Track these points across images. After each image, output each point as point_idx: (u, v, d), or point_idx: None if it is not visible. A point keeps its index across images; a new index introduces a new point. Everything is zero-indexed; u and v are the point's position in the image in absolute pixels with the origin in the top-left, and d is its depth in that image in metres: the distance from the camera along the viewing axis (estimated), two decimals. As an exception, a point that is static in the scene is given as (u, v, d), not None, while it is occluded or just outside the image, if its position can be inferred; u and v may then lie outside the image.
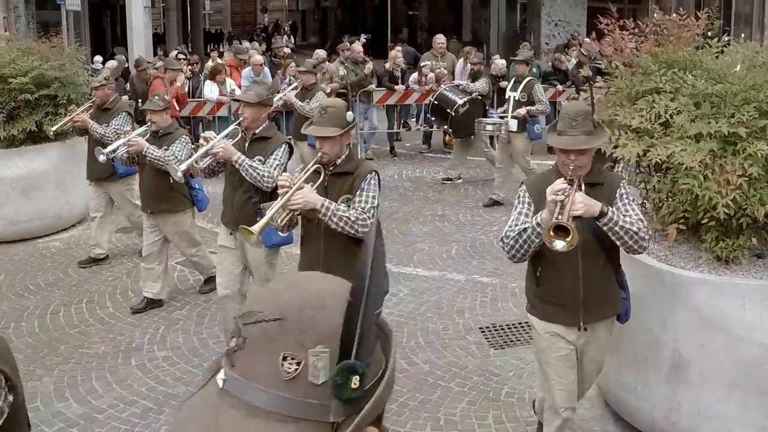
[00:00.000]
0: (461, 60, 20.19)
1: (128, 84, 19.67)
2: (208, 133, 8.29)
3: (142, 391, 7.85)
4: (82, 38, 26.02)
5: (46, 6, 24.95)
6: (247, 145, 7.97)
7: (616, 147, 6.37)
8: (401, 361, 8.37)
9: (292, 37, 49.43)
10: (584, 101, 7.41)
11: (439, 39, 20.25)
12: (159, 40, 34.36)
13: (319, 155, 6.43)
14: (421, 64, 19.41)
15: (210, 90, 17.75)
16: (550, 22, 29.93)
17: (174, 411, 7.42)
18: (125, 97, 18.40)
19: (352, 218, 6.17)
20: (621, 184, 5.69)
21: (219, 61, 21.04)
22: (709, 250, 6.26)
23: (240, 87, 17.88)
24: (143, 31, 26.87)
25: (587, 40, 20.90)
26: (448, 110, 16.47)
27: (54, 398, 7.75)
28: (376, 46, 28.79)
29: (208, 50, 37.79)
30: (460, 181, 16.37)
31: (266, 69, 18.58)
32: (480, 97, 16.69)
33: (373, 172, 6.50)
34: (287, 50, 23.24)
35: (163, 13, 43.18)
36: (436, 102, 17.06)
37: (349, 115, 6.56)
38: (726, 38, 7.13)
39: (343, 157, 6.50)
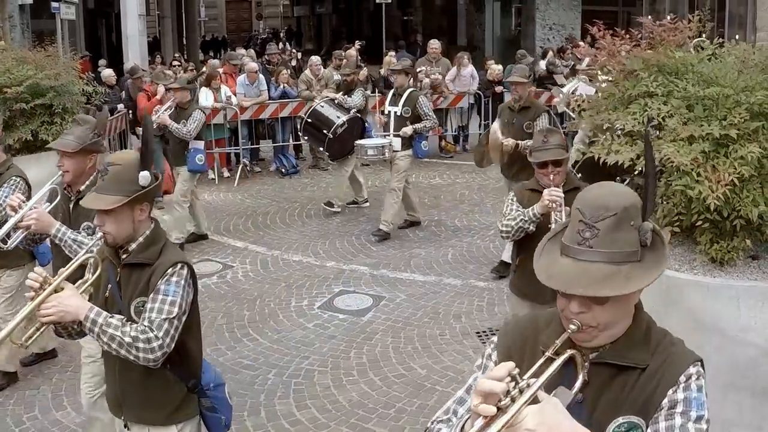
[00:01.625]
0: (455, 67, 20.18)
1: (123, 92, 19.66)
2: (14, 199, 6.11)
3: (140, 399, 7.85)
4: (78, 47, 26.00)
5: (41, 15, 24.93)
6: (71, 207, 6.40)
7: (608, 153, 6.40)
8: (398, 366, 8.39)
9: (287, 44, 49.34)
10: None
11: (434, 44, 20.28)
12: (153, 48, 34.32)
13: (97, 236, 4.70)
14: (416, 70, 19.42)
15: (205, 97, 17.78)
16: (545, 26, 29.99)
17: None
18: (120, 105, 18.53)
19: (127, 339, 4.21)
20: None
21: (215, 65, 21.02)
22: (704, 252, 6.28)
23: (235, 94, 17.92)
24: (138, 38, 26.89)
25: (582, 44, 20.93)
26: (326, 131, 14.70)
27: (52, 407, 7.76)
28: (372, 51, 28.81)
29: (205, 57, 37.75)
30: (366, 204, 14.95)
31: (261, 76, 18.59)
32: (358, 114, 15.13)
33: (179, 265, 4.49)
34: (294, 54, 23.26)
35: (158, 21, 43.20)
36: (309, 120, 15.25)
37: (143, 176, 4.47)
38: (717, 40, 7.13)
39: (141, 239, 4.56)
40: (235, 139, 18.31)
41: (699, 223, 6.15)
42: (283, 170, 18.07)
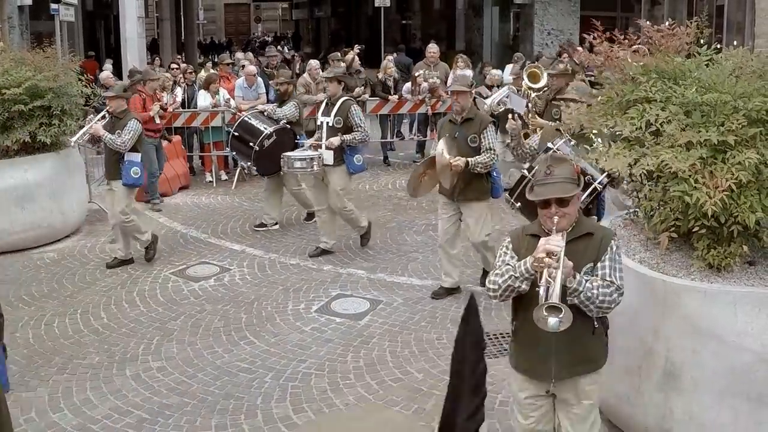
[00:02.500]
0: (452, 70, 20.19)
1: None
2: None
3: (137, 402, 7.85)
4: (76, 49, 26.02)
5: (39, 16, 24.95)
6: None
7: (606, 159, 6.40)
8: (395, 370, 8.39)
9: (292, 47, 49.38)
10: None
11: (432, 48, 20.27)
12: (152, 50, 34.31)
13: None
14: (415, 74, 19.43)
15: (204, 99, 17.80)
16: (543, 30, 29.99)
17: (168, 422, 7.46)
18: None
19: None
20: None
21: (212, 71, 21.03)
22: (701, 257, 6.28)
23: (233, 97, 17.93)
24: (137, 41, 26.88)
25: (580, 49, 20.93)
26: (252, 144, 13.51)
27: (49, 409, 7.75)
28: (370, 55, 28.82)
29: (204, 60, 37.72)
30: (276, 227, 13.90)
31: (260, 79, 18.59)
32: (289, 125, 13.74)
33: None
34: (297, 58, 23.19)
35: (156, 23, 43.24)
36: (237, 133, 14.06)
37: None
38: (715, 46, 7.14)
39: None
40: (232, 142, 18.29)
41: (696, 229, 6.15)
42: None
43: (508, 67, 20.85)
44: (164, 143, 16.51)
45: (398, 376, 8.25)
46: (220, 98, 17.74)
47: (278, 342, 9.15)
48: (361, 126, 11.99)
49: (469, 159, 9.85)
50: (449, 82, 19.72)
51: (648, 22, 7.52)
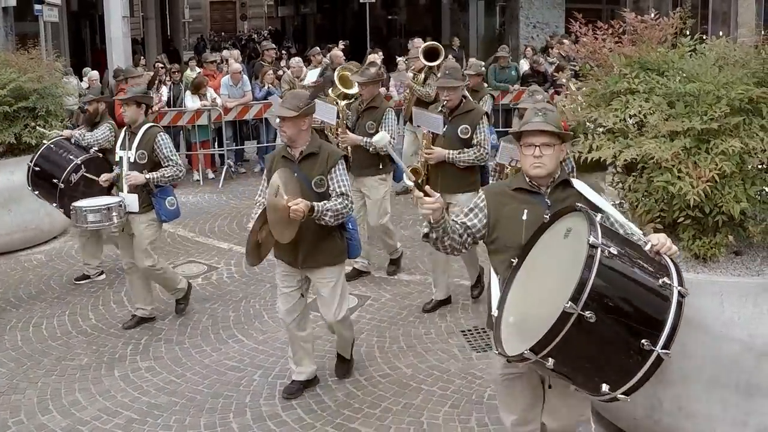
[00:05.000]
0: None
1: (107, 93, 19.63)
2: None
3: (126, 402, 7.84)
4: (61, 49, 25.94)
5: (24, 17, 24.83)
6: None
7: (590, 150, 6.40)
8: (384, 365, 8.39)
9: (290, 43, 49.20)
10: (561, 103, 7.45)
11: (417, 43, 20.25)
12: (136, 49, 34.20)
13: None
14: (397, 62, 19.54)
15: (192, 102, 17.77)
16: (529, 24, 30.03)
17: (157, 422, 7.44)
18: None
19: None
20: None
21: (197, 69, 21.01)
22: (687, 248, 6.28)
23: (219, 95, 17.92)
24: (122, 40, 26.80)
25: (566, 42, 20.95)
26: (55, 180, 10.67)
27: (37, 411, 7.73)
28: (356, 51, 28.79)
29: (189, 60, 37.66)
30: (102, 277, 11.52)
31: (245, 77, 18.59)
32: (101, 155, 10.82)
33: None
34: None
35: (142, 22, 43.11)
36: (37, 168, 10.98)
37: None
38: (698, 36, 7.14)
39: None
40: (219, 140, 18.29)
41: (681, 219, 6.16)
42: (268, 171, 17.98)
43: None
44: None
45: (386, 372, 8.25)
46: (208, 97, 17.74)
47: (266, 340, 9.14)
48: (171, 159, 9.31)
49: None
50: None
51: (633, 14, 7.51)
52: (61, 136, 11.25)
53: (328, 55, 19.88)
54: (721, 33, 9.88)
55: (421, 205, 5.00)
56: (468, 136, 9.41)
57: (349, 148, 10.45)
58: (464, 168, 9.46)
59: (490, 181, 8.82)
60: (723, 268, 6.28)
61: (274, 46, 24.39)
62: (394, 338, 9.05)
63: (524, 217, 5.16)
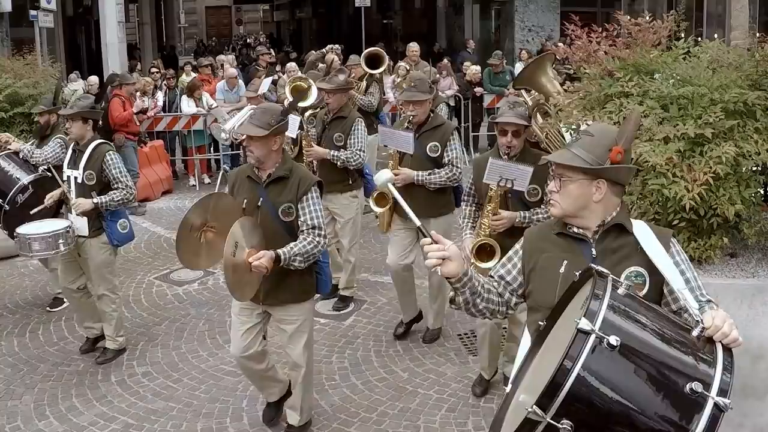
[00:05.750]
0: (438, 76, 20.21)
1: (103, 101, 19.61)
2: None
3: (123, 408, 7.84)
4: (57, 55, 25.88)
5: (20, 23, 24.83)
6: None
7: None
8: (380, 369, 8.39)
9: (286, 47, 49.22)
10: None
11: (413, 47, 20.26)
12: (132, 55, 34.18)
13: None
14: (397, 66, 19.48)
15: (187, 106, 17.78)
16: (524, 27, 30.07)
17: (154, 427, 7.44)
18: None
19: None
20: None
21: (192, 74, 21.00)
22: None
23: (215, 100, 17.93)
24: (118, 46, 26.80)
25: (561, 45, 20.97)
26: (0, 201, 9.60)
27: (34, 416, 7.73)
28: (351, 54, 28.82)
29: (183, 65, 37.69)
30: (65, 305, 10.29)
31: (240, 82, 18.61)
32: (51, 174, 9.18)
33: None
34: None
35: (138, 28, 43.13)
36: None
37: None
38: (691, 39, 7.16)
39: None
40: (215, 146, 18.28)
41: (676, 222, 6.17)
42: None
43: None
44: (139, 147, 16.51)
45: (383, 376, 8.25)
46: (204, 103, 17.74)
47: (263, 344, 9.14)
48: (121, 180, 8.54)
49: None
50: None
51: (627, 17, 7.52)
52: (9, 149, 9.92)
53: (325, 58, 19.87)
54: (716, 36, 9.88)
55: (425, 253, 4.01)
56: (438, 154, 8.50)
57: (314, 162, 9.63)
58: (436, 190, 8.53)
59: (463, 206, 7.82)
60: (718, 270, 6.31)
61: (268, 50, 24.37)
62: (391, 342, 9.06)
63: (562, 270, 4.05)
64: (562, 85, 8.04)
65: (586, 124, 6.72)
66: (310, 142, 9.71)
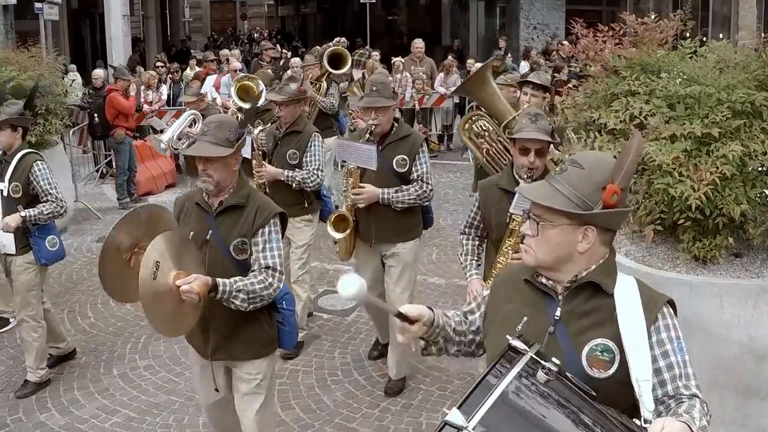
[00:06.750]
0: (442, 73, 20.22)
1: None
2: None
3: (125, 401, 7.85)
4: (61, 48, 25.95)
5: (25, 16, 24.86)
6: None
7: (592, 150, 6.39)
8: (382, 366, 8.38)
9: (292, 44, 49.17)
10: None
11: (417, 43, 20.30)
12: (136, 48, 34.20)
13: None
14: (392, 62, 19.52)
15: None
16: (529, 25, 30.05)
17: (156, 420, 7.44)
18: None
19: None
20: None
21: (197, 69, 21.04)
22: (687, 250, 6.28)
23: (220, 94, 17.92)
24: (122, 39, 26.82)
25: (565, 43, 20.99)
26: None
27: (36, 409, 7.75)
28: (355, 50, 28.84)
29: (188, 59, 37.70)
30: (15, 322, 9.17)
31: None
32: None
33: None
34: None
35: (142, 21, 43.13)
36: None
37: None
38: (698, 39, 7.15)
39: None
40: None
41: (682, 221, 6.15)
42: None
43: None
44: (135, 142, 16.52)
45: (385, 372, 8.23)
46: (208, 95, 17.70)
47: (266, 339, 9.13)
48: (51, 193, 7.87)
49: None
50: (436, 83, 19.69)
51: (633, 16, 7.51)
52: None
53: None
54: (721, 35, 9.86)
55: (398, 335, 3.60)
56: (406, 169, 7.44)
57: (266, 183, 8.65)
58: (403, 210, 7.51)
59: (462, 241, 6.49)
60: (723, 270, 6.29)
61: (273, 46, 24.35)
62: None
63: (519, 328, 3.14)
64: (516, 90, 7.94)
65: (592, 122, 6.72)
66: (261, 161, 8.66)
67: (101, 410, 7.68)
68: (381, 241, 7.56)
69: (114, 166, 16.38)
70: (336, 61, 12.83)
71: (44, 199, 7.82)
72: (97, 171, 18.07)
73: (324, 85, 13.00)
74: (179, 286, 4.84)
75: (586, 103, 7.02)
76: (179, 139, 10.77)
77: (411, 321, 3.47)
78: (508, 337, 2.98)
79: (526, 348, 2.85)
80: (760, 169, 6.17)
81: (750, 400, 6.01)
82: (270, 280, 5.24)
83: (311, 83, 12.57)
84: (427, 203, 7.73)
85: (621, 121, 6.35)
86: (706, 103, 6.23)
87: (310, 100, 12.05)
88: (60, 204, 7.89)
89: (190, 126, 10.98)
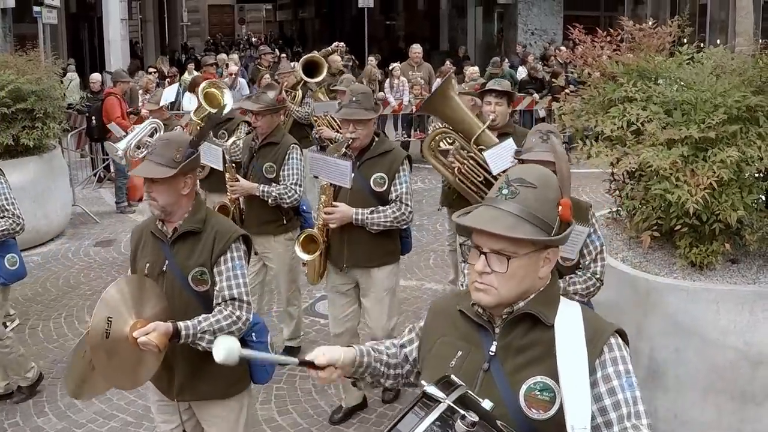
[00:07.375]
0: (439, 78, 20.26)
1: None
2: None
3: (122, 405, 7.82)
4: (60, 51, 25.93)
5: (23, 19, 24.86)
6: None
7: (589, 157, 6.41)
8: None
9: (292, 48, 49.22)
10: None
11: (416, 49, 20.31)
12: (135, 52, 34.23)
13: None
14: (390, 67, 19.54)
15: (189, 102, 17.74)
16: (527, 30, 30.12)
17: (152, 425, 7.44)
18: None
19: None
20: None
21: (195, 73, 21.02)
22: (683, 256, 6.30)
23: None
24: (120, 43, 26.83)
25: (563, 48, 21.03)
26: None
27: (33, 413, 7.73)
28: (354, 55, 28.87)
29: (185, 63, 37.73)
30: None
31: (242, 80, 18.60)
32: None
33: None
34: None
35: (140, 25, 43.14)
36: None
37: None
38: (695, 44, 7.17)
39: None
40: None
41: (678, 227, 6.17)
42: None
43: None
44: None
45: (383, 377, 8.24)
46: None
47: (263, 344, 9.12)
48: (7, 209, 7.41)
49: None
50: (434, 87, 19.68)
51: (631, 22, 7.53)
52: None
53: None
54: (718, 41, 9.89)
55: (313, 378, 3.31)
56: (384, 188, 6.82)
57: (241, 199, 8.22)
58: (379, 233, 6.88)
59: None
60: (719, 275, 6.30)
61: (272, 50, 24.36)
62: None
63: (452, 364, 3.03)
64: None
65: (589, 128, 6.72)
66: (235, 174, 8.11)
67: (98, 415, 7.66)
68: (352, 266, 7.01)
69: (112, 170, 16.37)
70: (311, 69, 12.15)
71: (1, 215, 7.34)
72: (95, 175, 18.06)
73: (299, 93, 12.53)
74: (135, 338, 4.40)
75: (584, 109, 7.02)
76: (138, 147, 10.33)
77: (318, 367, 3.17)
78: (423, 382, 2.72)
79: (443, 396, 2.56)
80: (756, 175, 6.19)
81: (746, 405, 6.02)
82: (238, 313, 4.79)
83: (286, 92, 11.87)
84: (405, 226, 7.03)
85: (618, 128, 6.36)
86: (703, 109, 6.24)
87: (285, 110, 11.19)
88: (17, 221, 7.41)
89: (151, 135, 10.45)
